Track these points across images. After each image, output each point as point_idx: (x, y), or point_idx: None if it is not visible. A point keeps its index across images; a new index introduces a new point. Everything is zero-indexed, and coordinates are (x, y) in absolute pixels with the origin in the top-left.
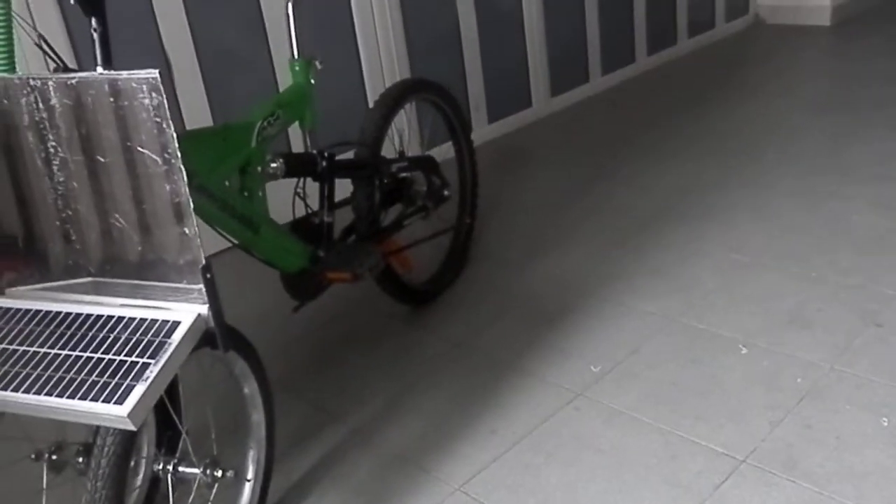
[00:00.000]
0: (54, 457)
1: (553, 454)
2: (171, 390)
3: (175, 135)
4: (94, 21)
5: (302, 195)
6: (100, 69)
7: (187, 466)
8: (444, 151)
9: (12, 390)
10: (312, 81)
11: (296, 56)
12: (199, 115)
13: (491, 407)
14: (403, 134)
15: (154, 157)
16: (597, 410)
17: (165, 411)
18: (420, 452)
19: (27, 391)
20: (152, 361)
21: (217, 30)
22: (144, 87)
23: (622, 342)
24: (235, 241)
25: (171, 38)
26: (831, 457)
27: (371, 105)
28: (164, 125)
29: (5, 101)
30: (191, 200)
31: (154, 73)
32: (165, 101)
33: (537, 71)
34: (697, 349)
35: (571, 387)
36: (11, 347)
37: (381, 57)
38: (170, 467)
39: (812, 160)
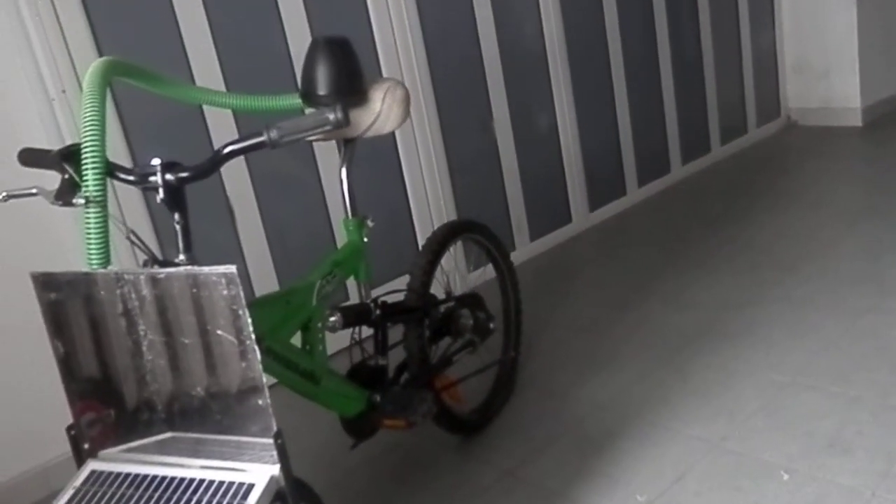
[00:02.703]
0: None
1: None
2: None
3: (249, 319)
4: (177, 216)
5: (358, 341)
6: (181, 256)
7: None
8: (486, 272)
9: None
10: (365, 240)
11: (349, 216)
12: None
13: None
14: (450, 274)
15: (231, 338)
16: None
17: None
18: None
19: None
20: None
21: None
22: (223, 280)
23: (667, 468)
24: (299, 392)
25: (244, 221)
26: None
27: (420, 244)
28: (240, 311)
29: (103, 293)
30: (262, 374)
31: (231, 268)
32: (241, 292)
33: (575, 186)
34: (741, 476)
35: None
36: None
37: (428, 191)
38: None
39: (847, 273)
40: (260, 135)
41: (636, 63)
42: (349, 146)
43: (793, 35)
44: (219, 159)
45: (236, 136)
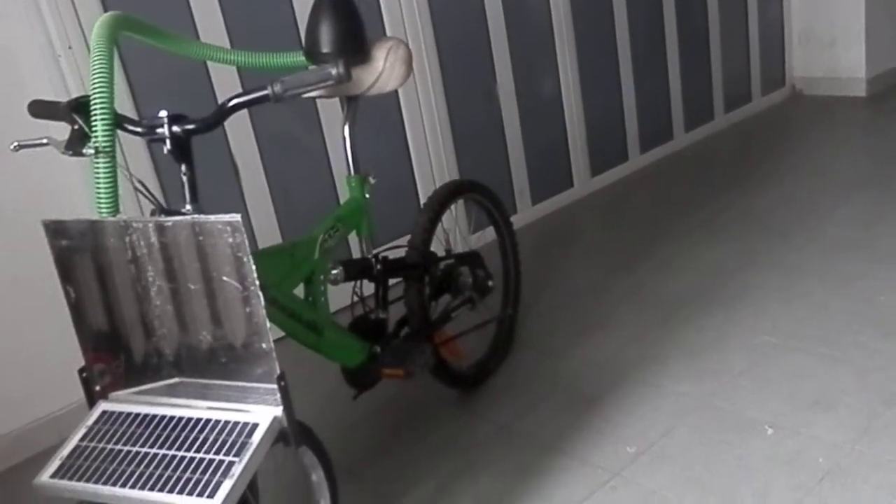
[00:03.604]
0: None
1: None
2: (250, 480)
3: (254, 267)
4: (183, 167)
5: (360, 296)
6: (188, 206)
7: None
8: (487, 234)
9: (120, 486)
10: (367, 196)
11: (352, 173)
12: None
13: (534, 488)
14: (450, 232)
15: (235, 284)
16: (632, 490)
17: (245, 499)
18: None
19: (133, 487)
20: (237, 459)
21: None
22: (228, 228)
23: (657, 423)
24: (302, 342)
25: (248, 177)
26: None
27: (421, 201)
28: (244, 258)
29: (112, 240)
30: (266, 319)
31: (236, 217)
32: (245, 240)
33: (577, 152)
34: (727, 430)
35: (608, 467)
36: (118, 447)
37: (431, 153)
38: None
39: (840, 240)
40: (264, 89)
41: (641, 30)
42: (352, 104)
43: (800, 4)
44: (224, 112)
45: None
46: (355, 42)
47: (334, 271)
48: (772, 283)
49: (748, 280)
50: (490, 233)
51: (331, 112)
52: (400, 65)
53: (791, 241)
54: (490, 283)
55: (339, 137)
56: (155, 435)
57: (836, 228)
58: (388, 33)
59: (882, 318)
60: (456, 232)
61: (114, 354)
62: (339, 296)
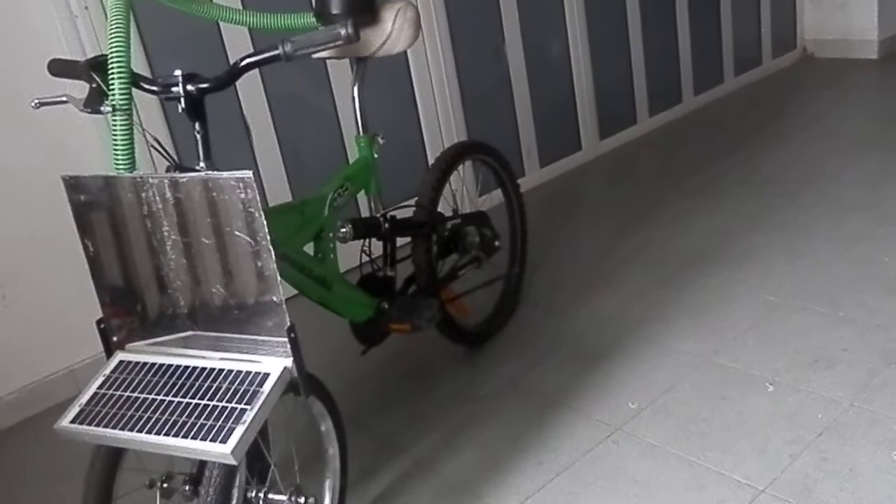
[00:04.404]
0: (165, 485)
1: (592, 484)
2: (262, 428)
3: (265, 222)
4: (197, 125)
5: (368, 253)
6: (202, 163)
7: (275, 493)
8: (495, 197)
9: (137, 431)
10: (376, 155)
11: (361, 133)
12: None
13: (538, 440)
14: (458, 192)
15: (247, 238)
16: (633, 444)
17: (257, 446)
18: (475, 482)
19: (149, 432)
20: (248, 407)
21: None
22: (240, 184)
23: (659, 380)
24: (312, 298)
25: (260, 137)
26: (845, 487)
27: (430, 163)
28: (256, 214)
29: (129, 195)
30: (277, 272)
31: (248, 173)
32: (257, 195)
33: (586, 115)
34: (728, 387)
35: (611, 421)
36: (134, 395)
37: (439, 114)
38: (261, 495)
39: (847, 201)
40: (275, 48)
41: None
42: (361, 65)
43: None
44: (237, 71)
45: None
46: (364, 3)
47: (343, 229)
48: (778, 242)
49: (754, 240)
50: (497, 195)
51: (340, 73)
52: (408, 27)
53: (799, 201)
54: (496, 242)
55: (348, 98)
56: (170, 383)
57: (844, 188)
58: None
59: (886, 277)
60: (463, 192)
61: (130, 307)
62: (349, 257)
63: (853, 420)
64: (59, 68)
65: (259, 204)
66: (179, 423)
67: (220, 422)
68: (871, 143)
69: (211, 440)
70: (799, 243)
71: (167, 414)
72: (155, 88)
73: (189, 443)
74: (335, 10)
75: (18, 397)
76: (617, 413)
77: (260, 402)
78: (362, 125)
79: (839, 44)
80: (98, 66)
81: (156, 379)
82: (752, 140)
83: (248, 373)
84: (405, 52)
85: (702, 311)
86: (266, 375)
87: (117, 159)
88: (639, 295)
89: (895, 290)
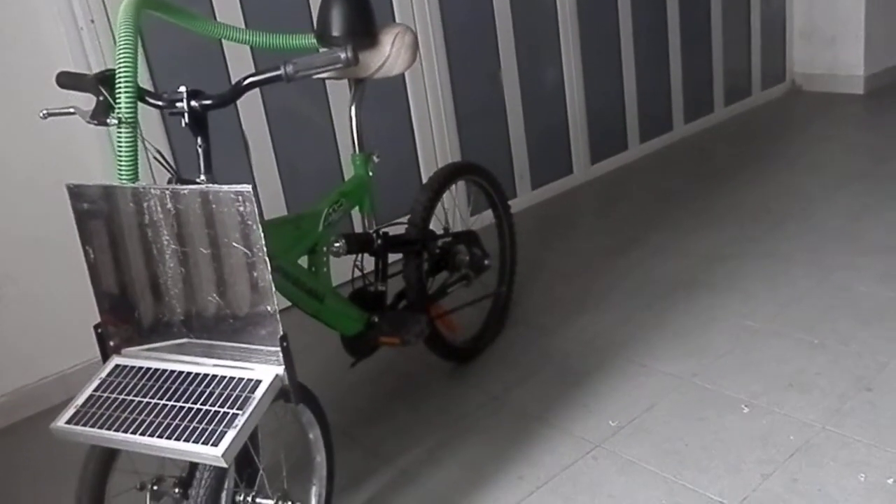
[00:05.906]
0: (155, 487)
1: (571, 498)
2: (252, 434)
3: (262, 234)
4: (199, 140)
5: (361, 268)
6: (202, 176)
7: (263, 498)
8: (486, 217)
9: (131, 432)
10: (371, 173)
11: (357, 151)
12: (275, 208)
13: (519, 455)
14: (450, 211)
15: (244, 250)
16: (612, 460)
17: (247, 451)
18: (457, 494)
19: (143, 434)
20: (240, 412)
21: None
22: (239, 197)
23: (639, 400)
24: (305, 310)
25: (258, 153)
26: None
27: (423, 181)
28: (254, 226)
29: (131, 205)
30: (272, 283)
31: (247, 187)
32: (255, 209)
33: (578, 139)
34: (705, 408)
35: (591, 439)
36: (129, 398)
37: (434, 135)
38: (249, 499)
39: (828, 232)
40: (277, 69)
41: (644, 21)
42: (359, 86)
43: (802, 0)
44: (239, 89)
45: (253, 71)
46: (364, 27)
47: (337, 244)
48: (759, 270)
49: (736, 267)
50: (488, 215)
51: (339, 92)
52: (406, 50)
53: (781, 231)
54: (486, 261)
55: (345, 117)
56: (164, 387)
57: (826, 220)
58: (397, 15)
59: (860, 306)
60: (455, 212)
61: (128, 313)
62: (342, 271)
63: (824, 442)
64: (67, 80)
65: (257, 217)
66: (173, 426)
67: (212, 425)
68: (854, 176)
69: (203, 443)
70: (779, 271)
71: (161, 417)
72: (160, 103)
73: (181, 445)
74: (335, 33)
75: (8, 400)
76: (597, 430)
77: (251, 407)
78: (359, 144)
79: (827, 78)
80: (106, 79)
81: (150, 383)
82: (741, 170)
83: (241, 379)
84: (403, 75)
85: (683, 335)
86: (258, 382)
87: (121, 170)
88: (624, 318)
89: (869, 318)
